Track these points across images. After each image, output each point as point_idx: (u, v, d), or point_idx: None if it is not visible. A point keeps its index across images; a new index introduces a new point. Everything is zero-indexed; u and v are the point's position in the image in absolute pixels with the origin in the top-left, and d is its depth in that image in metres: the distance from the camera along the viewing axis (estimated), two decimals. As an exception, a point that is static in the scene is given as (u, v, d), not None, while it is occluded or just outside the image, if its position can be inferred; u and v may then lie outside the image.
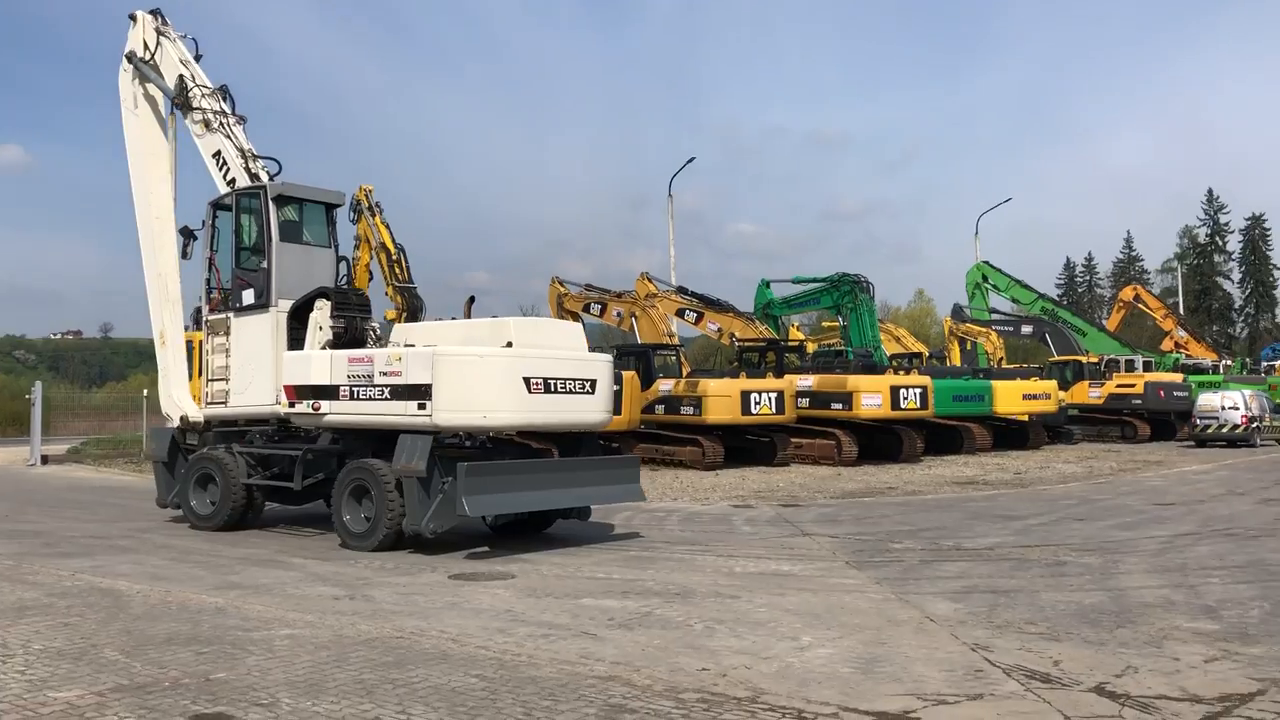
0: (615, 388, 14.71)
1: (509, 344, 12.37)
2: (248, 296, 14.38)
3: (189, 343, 16.94)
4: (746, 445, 26.78)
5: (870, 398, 27.03)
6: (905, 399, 27.65)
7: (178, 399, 15.83)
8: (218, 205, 14.99)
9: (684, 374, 27.88)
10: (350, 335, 13.72)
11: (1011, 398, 32.94)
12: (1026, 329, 47.26)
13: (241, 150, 15.01)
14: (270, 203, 14.18)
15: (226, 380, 14.60)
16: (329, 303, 13.74)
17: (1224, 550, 12.45)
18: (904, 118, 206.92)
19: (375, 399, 12.49)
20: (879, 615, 8.93)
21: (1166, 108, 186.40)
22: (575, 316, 32.76)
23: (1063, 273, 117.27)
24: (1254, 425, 34.23)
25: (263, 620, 8.72)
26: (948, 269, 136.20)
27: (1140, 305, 55.13)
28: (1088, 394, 39.26)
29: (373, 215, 27.52)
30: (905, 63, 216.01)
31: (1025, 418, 33.87)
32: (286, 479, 13.97)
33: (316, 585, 10.43)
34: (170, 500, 15.33)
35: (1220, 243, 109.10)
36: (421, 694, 6.50)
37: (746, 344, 29.68)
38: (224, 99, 15.46)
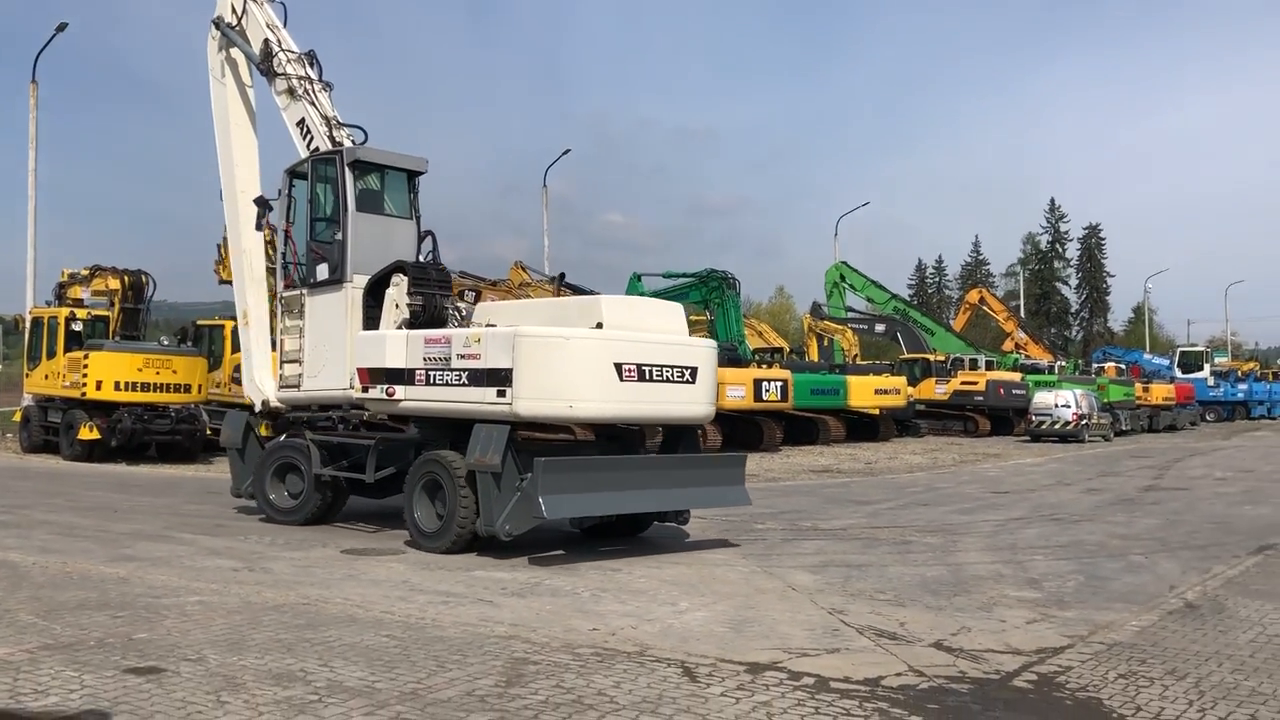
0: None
1: (599, 325, 11.15)
2: (322, 271, 13.27)
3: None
4: (613, 433, 27.59)
5: (734, 389, 28.23)
6: (767, 391, 28.98)
7: (260, 382, 14.64)
8: (293, 173, 13.91)
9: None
10: (430, 314, 12.44)
11: (864, 392, 34.72)
12: (880, 327, 49.49)
13: (326, 118, 13.96)
14: (346, 169, 13.02)
15: (300, 362, 13.56)
16: (406, 278, 12.45)
17: (1049, 532, 13.86)
18: (769, 116, 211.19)
19: (452, 384, 11.33)
20: (747, 585, 9.86)
21: (1015, 118, 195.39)
22: (448, 303, 32.99)
23: (914, 273, 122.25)
24: (1083, 422, 36.85)
25: (168, 588, 9.11)
26: (807, 267, 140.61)
27: (984, 307, 58.26)
28: (934, 390, 41.49)
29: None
30: (770, 61, 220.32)
31: (877, 411, 35.75)
32: (361, 470, 12.78)
33: (212, 558, 10.80)
34: (245, 490, 14.11)
35: (1060, 250, 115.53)
36: (339, 650, 7.08)
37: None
38: (311, 64, 14.43)
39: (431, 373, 11.54)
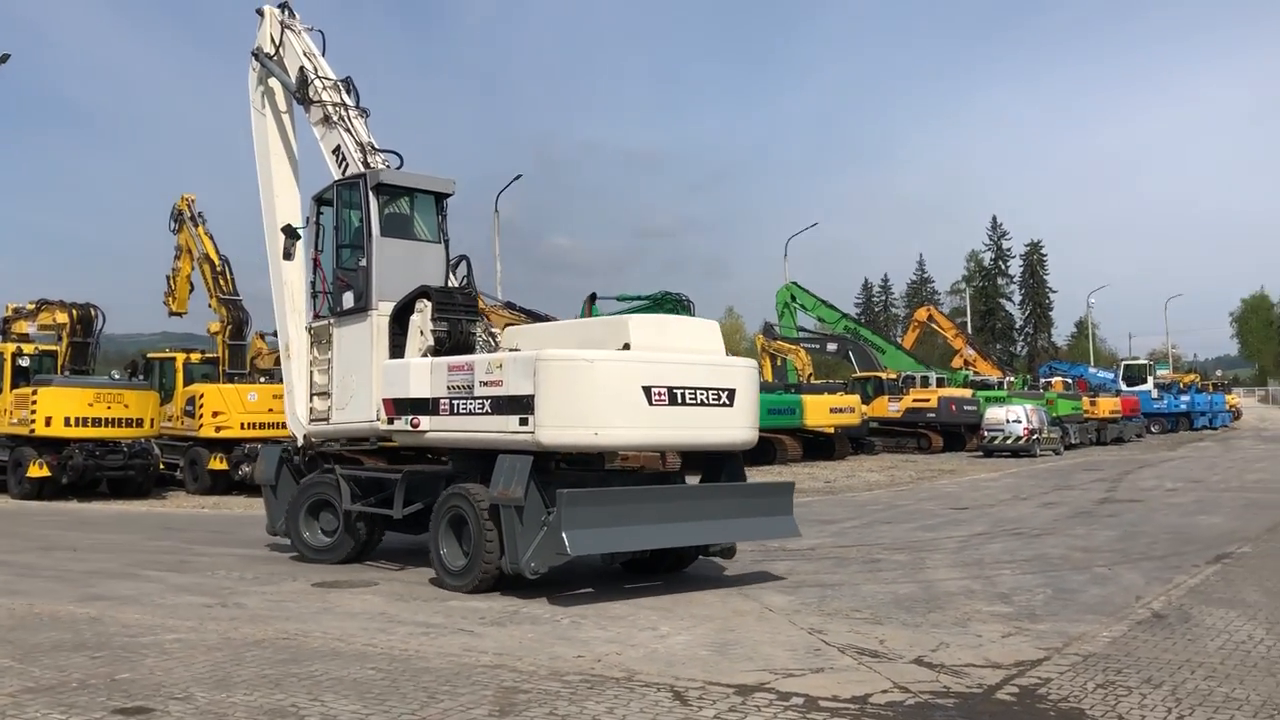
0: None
1: (626, 346, 10.64)
2: (348, 299, 12.79)
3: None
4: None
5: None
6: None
7: (301, 416, 13.97)
8: (320, 200, 13.51)
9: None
10: (455, 340, 11.93)
11: (820, 411, 35.03)
12: (831, 346, 49.95)
13: (361, 144, 13.53)
14: (370, 193, 12.57)
15: (329, 394, 13.11)
16: (430, 303, 11.95)
17: (1013, 547, 14.10)
18: (713, 138, 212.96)
19: (476, 413, 10.79)
20: (724, 607, 9.94)
21: (956, 137, 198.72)
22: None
23: (861, 292, 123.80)
24: (1034, 437, 37.45)
25: (143, 627, 8.99)
26: (756, 287, 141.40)
27: (933, 325, 59.04)
28: (887, 408, 41.93)
29: (195, 225, 26.99)
30: (713, 84, 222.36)
31: (832, 430, 36.07)
32: (391, 505, 12.21)
33: (182, 595, 10.66)
34: (279, 528, 13.62)
35: (1003, 267, 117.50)
36: (327, 685, 7.05)
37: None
38: (347, 91, 14.09)
39: (455, 402, 11.05)
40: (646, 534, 10.61)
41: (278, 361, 32.66)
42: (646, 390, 10.32)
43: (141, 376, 25.29)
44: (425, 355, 11.73)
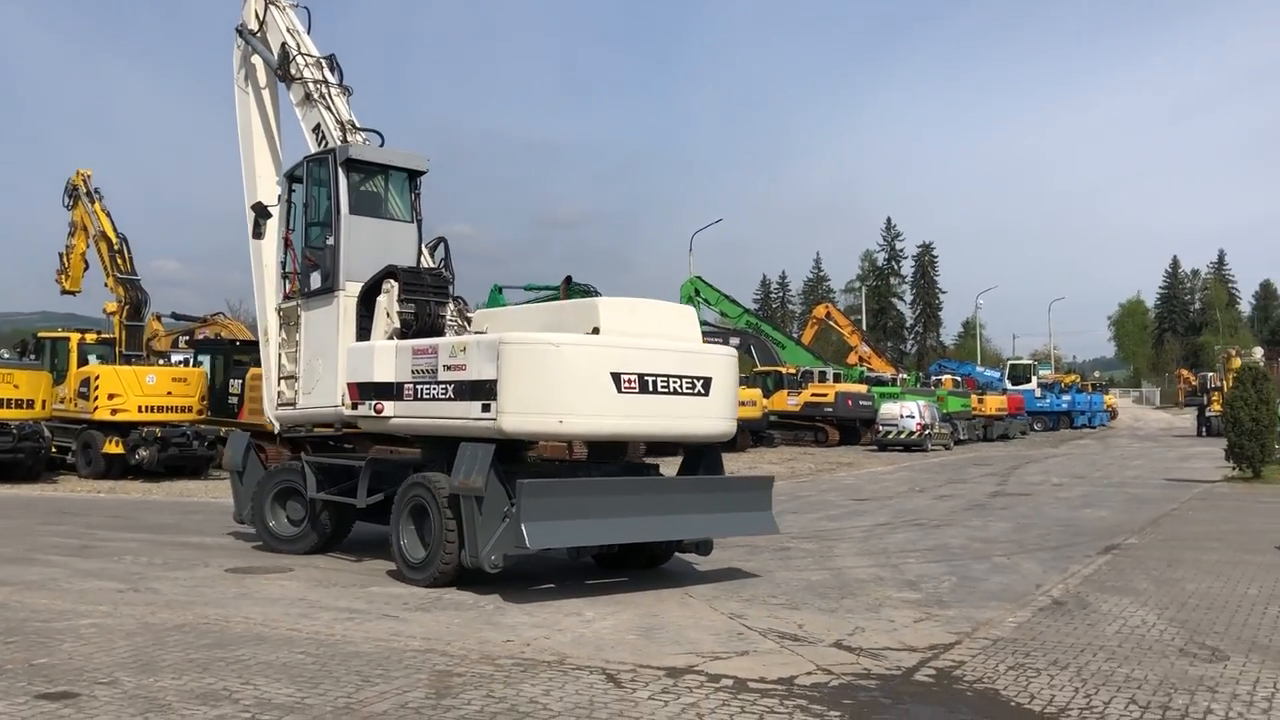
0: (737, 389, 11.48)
1: (595, 330, 10.20)
2: (315, 280, 12.30)
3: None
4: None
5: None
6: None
7: (270, 401, 13.55)
8: (291, 177, 12.97)
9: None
10: (423, 323, 11.55)
11: (722, 404, 35.44)
12: (734, 341, 50.49)
13: (341, 122, 13.02)
14: (339, 169, 12.03)
15: (296, 378, 12.64)
16: (396, 284, 11.55)
17: (915, 537, 14.59)
18: (617, 131, 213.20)
19: (439, 399, 10.34)
20: (645, 594, 10.11)
21: (853, 138, 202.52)
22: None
23: (759, 288, 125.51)
24: (926, 432, 38.58)
25: (55, 612, 8.77)
26: (658, 280, 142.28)
27: (830, 322, 60.32)
28: (786, 402, 42.70)
29: (91, 202, 26.07)
30: (615, 77, 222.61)
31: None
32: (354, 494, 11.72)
33: (90, 580, 10.40)
34: (246, 516, 13.18)
35: (896, 267, 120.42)
36: (257, 669, 7.00)
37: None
38: (331, 69, 13.62)
39: (420, 386, 10.61)
40: (612, 528, 10.12)
41: (175, 343, 32.02)
42: (615, 377, 9.86)
43: (33, 356, 24.38)
44: (391, 338, 11.33)
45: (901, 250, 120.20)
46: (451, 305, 11.83)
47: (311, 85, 13.28)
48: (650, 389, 10.07)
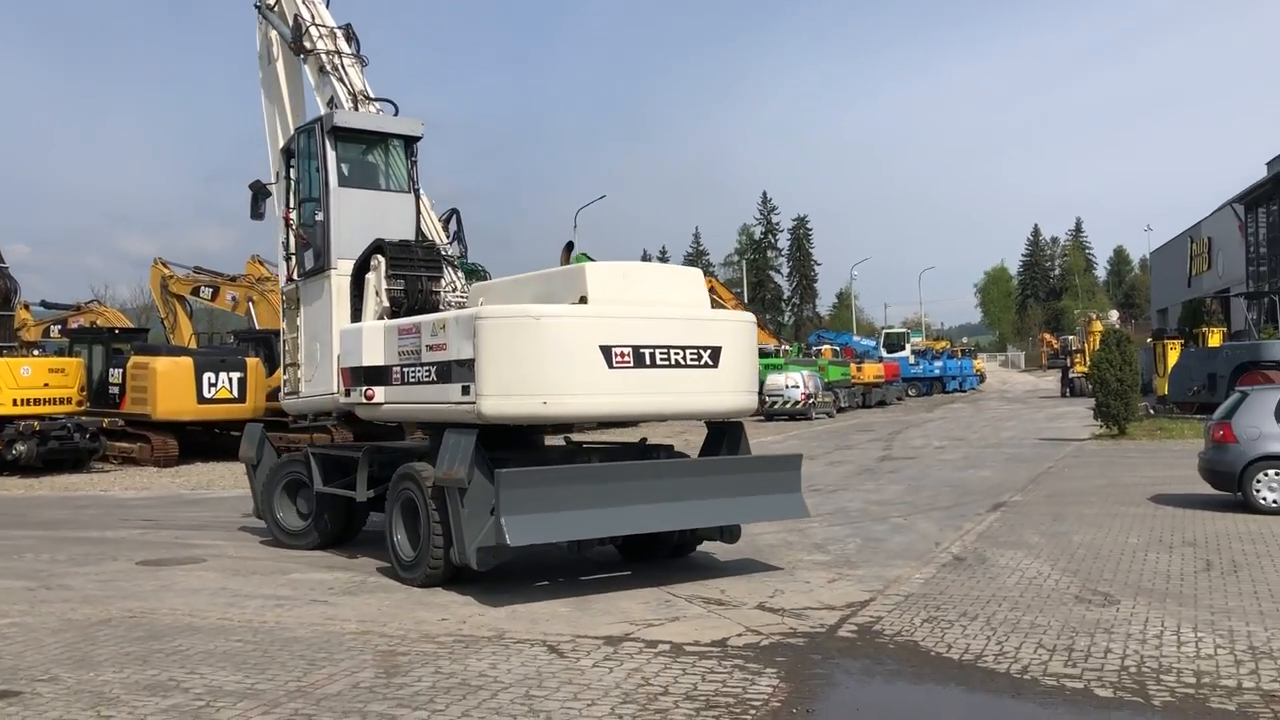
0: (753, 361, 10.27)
1: (582, 299, 9.22)
2: (309, 259, 11.64)
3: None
4: (375, 431, 27.25)
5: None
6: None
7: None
8: (287, 151, 12.23)
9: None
10: (414, 300, 10.80)
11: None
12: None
13: (354, 93, 12.34)
14: (326, 139, 11.28)
15: (299, 365, 12.00)
16: (384, 259, 10.78)
17: (814, 502, 15.02)
18: (492, 107, 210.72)
19: (423, 381, 9.59)
20: (565, 566, 10.32)
21: (728, 112, 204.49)
22: (182, 301, 31.42)
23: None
24: (811, 401, 39.63)
25: (-31, 614, 8.55)
26: (538, 257, 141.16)
27: (714, 295, 61.13)
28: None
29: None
30: (492, 51, 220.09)
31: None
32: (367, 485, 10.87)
33: (-5, 580, 10.13)
34: (257, 511, 12.59)
35: (772, 240, 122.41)
36: (198, 658, 7.01)
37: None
38: (348, 39, 12.93)
39: (406, 369, 9.88)
40: (607, 519, 9.07)
41: (46, 333, 30.71)
42: (605, 350, 8.90)
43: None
44: (381, 318, 10.64)
45: (778, 224, 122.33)
46: (448, 279, 11.28)
47: (325, 57, 12.66)
48: (647, 362, 9.10)
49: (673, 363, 9.25)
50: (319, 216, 11.47)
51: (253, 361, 24.80)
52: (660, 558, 10.49)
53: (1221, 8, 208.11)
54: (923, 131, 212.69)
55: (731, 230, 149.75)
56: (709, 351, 9.48)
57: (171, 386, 23.15)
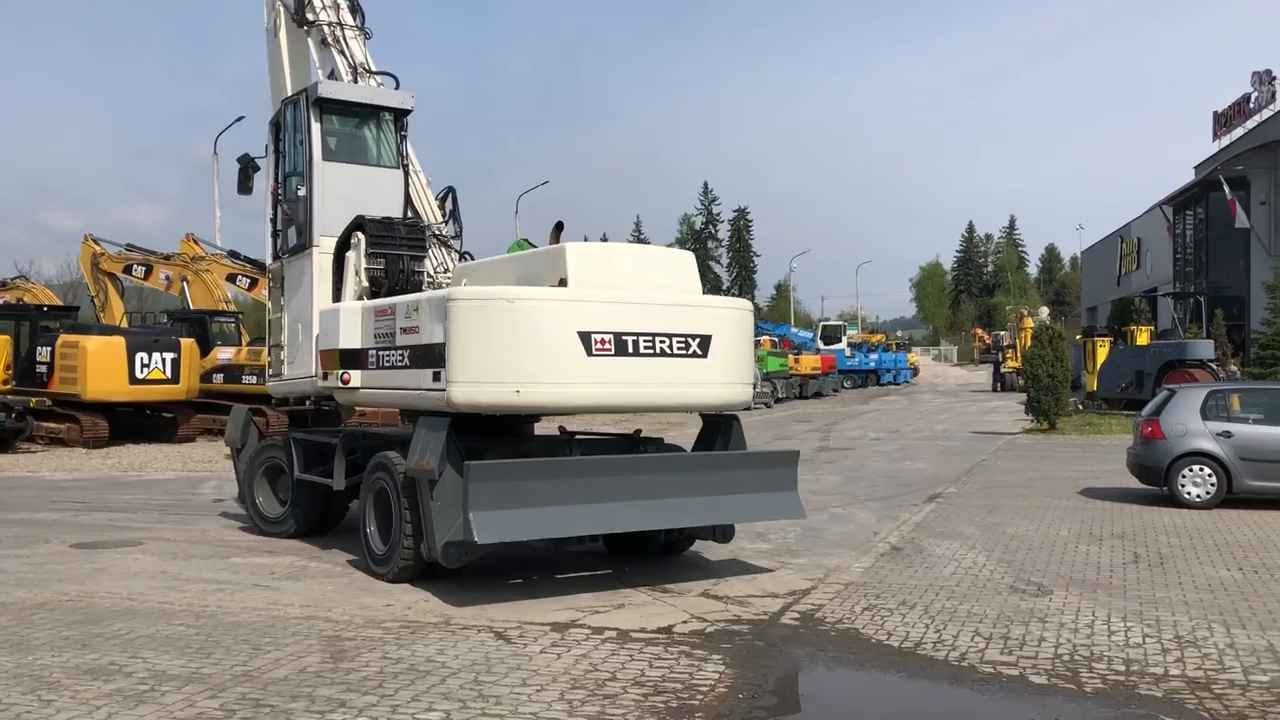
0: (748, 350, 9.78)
1: (561, 282, 8.80)
2: (292, 236, 11.28)
3: None
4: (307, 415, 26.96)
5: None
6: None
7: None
8: (274, 124, 11.82)
9: (244, 342, 27.42)
10: (395, 280, 10.40)
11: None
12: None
13: (354, 65, 11.94)
14: (311, 109, 10.87)
15: (282, 346, 11.63)
16: (364, 237, 10.37)
17: (755, 492, 15.29)
18: (434, 88, 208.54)
19: (397, 366, 9.19)
20: (507, 555, 10.30)
21: (670, 101, 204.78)
22: (113, 279, 30.72)
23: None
24: (749, 391, 39.87)
25: (-103, 596, 8.35)
26: (481, 242, 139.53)
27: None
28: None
29: None
30: (432, 36, 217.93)
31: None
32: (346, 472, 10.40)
33: (-78, 562, 9.89)
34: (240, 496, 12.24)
35: (713, 230, 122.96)
36: (140, 642, 6.92)
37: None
38: (353, 12, 12.55)
39: (381, 353, 9.50)
40: (586, 517, 8.55)
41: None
42: (585, 337, 8.42)
43: None
44: (361, 298, 10.26)
45: (718, 214, 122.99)
46: (439, 259, 10.87)
47: (326, 28, 12.28)
48: (630, 350, 8.61)
49: (658, 351, 8.77)
50: (301, 191, 11.10)
51: (187, 342, 24.38)
52: (649, 556, 10.00)
53: (1155, 12, 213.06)
54: (862, 127, 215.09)
55: (673, 219, 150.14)
56: (698, 340, 8.98)
57: (103, 366, 22.66)
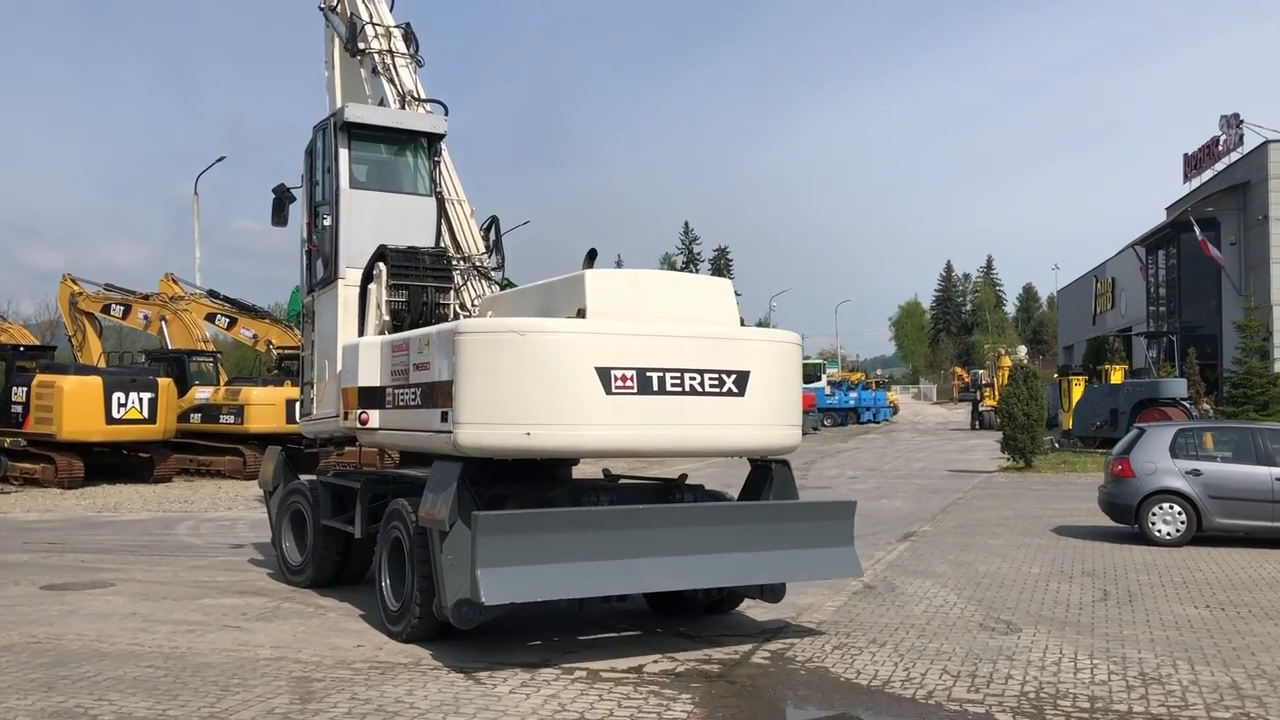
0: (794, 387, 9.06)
1: (580, 312, 8.08)
2: (319, 269, 10.90)
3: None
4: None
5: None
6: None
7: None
8: (310, 153, 11.34)
9: (221, 381, 27.36)
10: (418, 313, 9.87)
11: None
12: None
13: (403, 94, 11.63)
14: (339, 135, 10.49)
15: (313, 384, 11.11)
16: (385, 267, 9.91)
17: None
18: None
19: (410, 405, 8.55)
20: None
21: (656, 140, 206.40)
22: (91, 318, 30.64)
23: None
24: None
25: None
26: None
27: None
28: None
29: None
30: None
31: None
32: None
33: (-111, 604, 9.81)
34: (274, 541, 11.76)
35: (694, 270, 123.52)
36: (107, 685, 6.90)
37: (286, 351, 29.65)
38: (407, 40, 12.24)
39: (397, 391, 8.88)
40: (609, 575, 7.66)
41: None
42: (603, 373, 7.63)
43: None
44: (383, 332, 9.73)
45: (699, 254, 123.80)
46: (471, 290, 10.50)
47: (377, 56, 12.00)
48: (654, 388, 7.80)
49: (687, 389, 7.92)
50: (327, 221, 10.70)
51: (164, 382, 24.29)
52: (693, 615, 9.21)
53: (1129, 56, 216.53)
54: (843, 168, 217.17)
55: (654, 259, 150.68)
56: (734, 377, 8.14)
57: (79, 406, 22.53)
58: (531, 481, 8.76)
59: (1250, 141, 37.71)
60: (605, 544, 7.63)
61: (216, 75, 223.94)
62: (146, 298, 30.46)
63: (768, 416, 8.38)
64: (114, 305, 30.59)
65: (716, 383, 8.05)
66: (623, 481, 9.58)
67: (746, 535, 8.22)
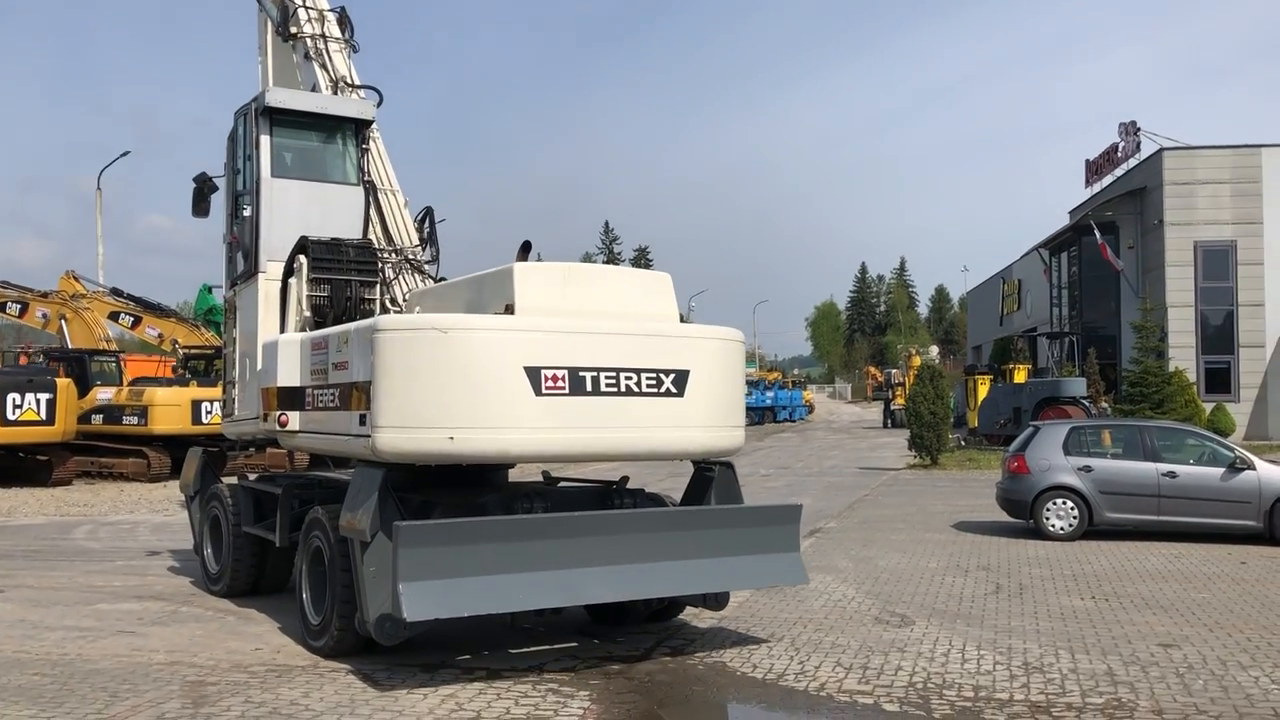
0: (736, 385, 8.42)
1: (508, 308, 7.63)
2: (239, 262, 10.42)
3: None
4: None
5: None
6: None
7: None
8: (232, 139, 10.79)
9: (125, 381, 26.70)
10: (341, 308, 9.33)
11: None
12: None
13: (335, 80, 11.12)
14: (259, 120, 9.95)
15: (234, 383, 10.55)
16: (306, 260, 9.37)
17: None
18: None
19: (329, 407, 8.03)
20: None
21: (574, 140, 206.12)
22: (-14, 316, 29.71)
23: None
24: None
25: None
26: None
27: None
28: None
29: None
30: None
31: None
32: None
33: None
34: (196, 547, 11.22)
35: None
36: (-10, 694, 6.74)
37: (192, 350, 29.07)
38: (341, 25, 11.75)
39: (316, 392, 8.35)
40: (542, 587, 7.20)
41: None
42: (533, 373, 7.18)
43: None
44: (304, 329, 9.23)
45: (619, 253, 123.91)
46: (404, 283, 10.06)
47: (309, 41, 11.51)
48: (588, 389, 7.38)
49: (623, 390, 7.49)
50: (248, 211, 10.15)
51: (63, 382, 23.60)
52: (635, 624, 8.89)
53: (1037, 63, 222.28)
54: (759, 170, 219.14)
55: (574, 258, 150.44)
56: (672, 376, 7.71)
57: (-29, 408, 21.81)
58: (462, 486, 8.39)
59: (1147, 149, 39.02)
60: (539, 554, 7.20)
61: (123, 66, 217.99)
62: (45, 295, 29.60)
63: (709, 417, 7.98)
64: (10, 303, 29.65)
65: (654, 382, 7.65)
66: (561, 485, 9.23)
67: (689, 542, 7.86)
